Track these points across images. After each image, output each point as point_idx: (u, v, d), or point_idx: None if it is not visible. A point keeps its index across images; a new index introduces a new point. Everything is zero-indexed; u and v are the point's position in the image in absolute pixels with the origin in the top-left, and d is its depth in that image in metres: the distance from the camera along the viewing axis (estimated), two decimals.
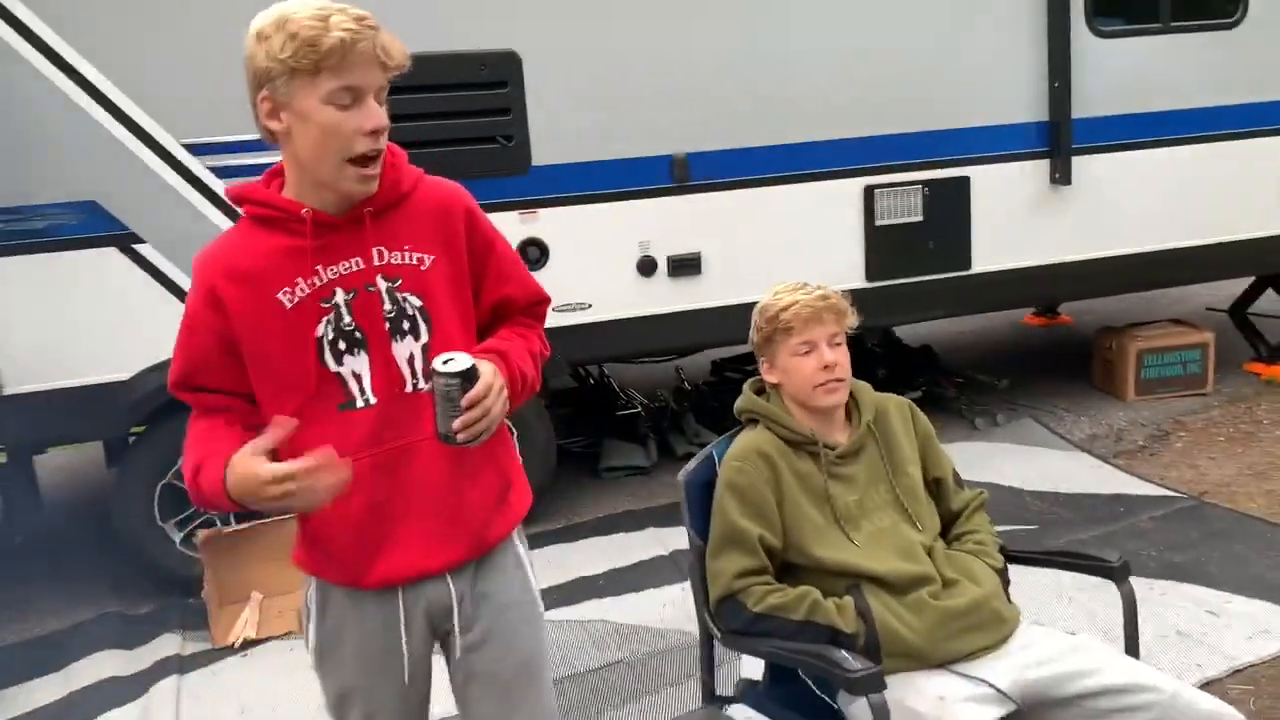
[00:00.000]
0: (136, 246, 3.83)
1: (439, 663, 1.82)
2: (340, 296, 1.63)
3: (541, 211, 4.17)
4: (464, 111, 3.99)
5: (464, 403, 1.55)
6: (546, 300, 1.87)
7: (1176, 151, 5.00)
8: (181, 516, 4.01)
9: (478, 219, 1.75)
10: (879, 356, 5.88)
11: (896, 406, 2.30)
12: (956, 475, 2.32)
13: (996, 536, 2.25)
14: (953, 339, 6.78)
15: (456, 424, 1.56)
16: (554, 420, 4.60)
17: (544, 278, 2.24)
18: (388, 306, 1.65)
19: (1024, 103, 4.79)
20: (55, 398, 3.77)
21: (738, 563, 2.06)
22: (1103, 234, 4.98)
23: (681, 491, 2.18)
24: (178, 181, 3.85)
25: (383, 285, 1.65)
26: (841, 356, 2.16)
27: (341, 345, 1.64)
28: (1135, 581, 3.56)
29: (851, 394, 2.25)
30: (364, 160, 1.57)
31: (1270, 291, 5.89)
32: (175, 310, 4.02)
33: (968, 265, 4.83)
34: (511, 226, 4.05)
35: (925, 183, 4.70)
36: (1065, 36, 4.73)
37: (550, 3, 4.12)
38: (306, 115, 1.55)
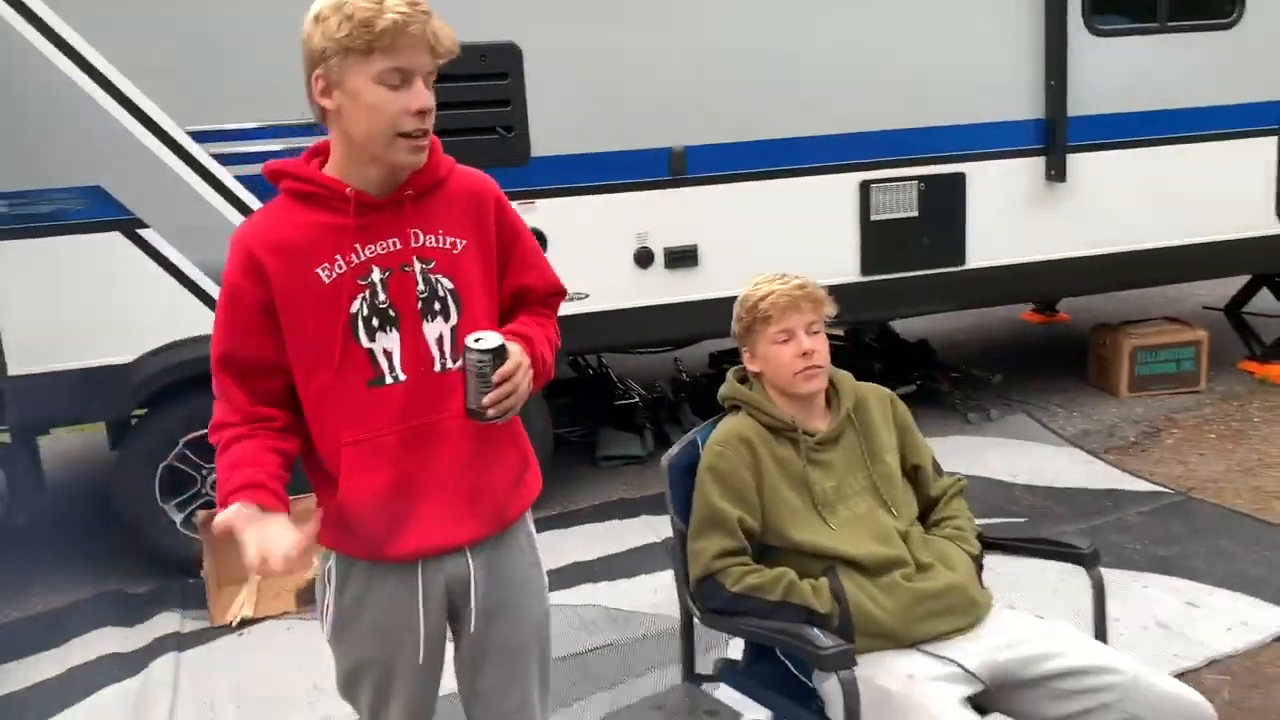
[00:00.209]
0: (140, 231, 3.88)
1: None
2: (376, 275, 1.68)
3: (540, 202, 4.22)
4: (464, 102, 4.03)
5: (495, 379, 1.62)
6: (563, 292, 1.94)
7: (1172, 150, 5.04)
8: (182, 498, 4.07)
9: (506, 208, 1.83)
10: (875, 350, 5.93)
11: (876, 396, 2.35)
12: (935, 463, 2.37)
13: (974, 523, 2.31)
14: (951, 335, 6.83)
15: (487, 399, 1.63)
16: (552, 409, 4.66)
17: None
18: (421, 287, 1.71)
19: (1020, 100, 4.83)
20: (59, 379, 3.83)
21: (717, 544, 2.11)
22: (1097, 231, 5.02)
23: (665, 475, 2.23)
24: (181, 168, 3.90)
25: (417, 266, 1.71)
26: (819, 344, 2.21)
27: (375, 322, 1.69)
28: (1119, 574, 3.69)
29: (832, 383, 2.30)
30: (412, 137, 1.63)
31: (1266, 291, 5.94)
32: (178, 294, 4.11)
33: (962, 261, 4.88)
34: None
35: (921, 178, 4.75)
36: (1062, 35, 4.77)
37: None
38: (358, 94, 1.60)
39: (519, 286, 1.85)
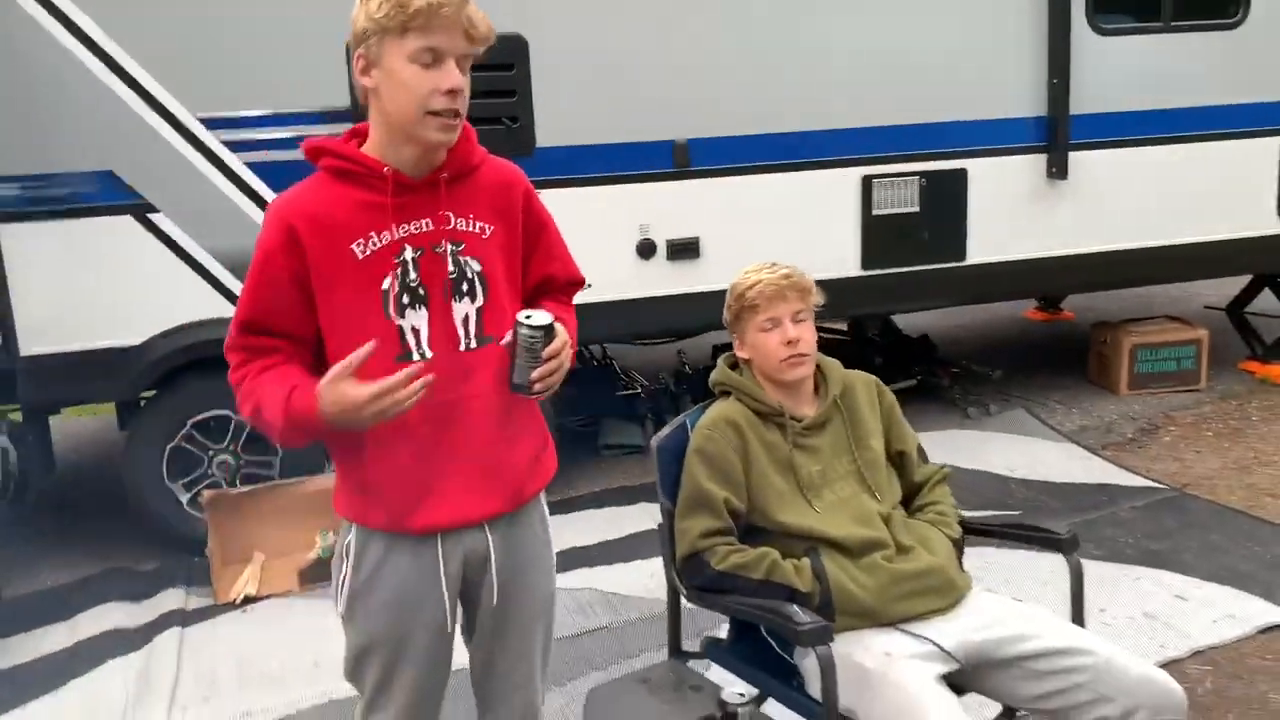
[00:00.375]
0: (151, 216, 3.96)
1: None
2: (409, 254, 1.74)
3: (543, 193, 4.20)
4: (470, 93, 4.09)
5: (544, 355, 1.70)
6: (582, 282, 2.01)
7: (1174, 149, 5.06)
8: (189, 478, 4.15)
9: (534, 200, 1.90)
10: (877, 345, 5.97)
11: (863, 383, 2.40)
12: (921, 450, 2.42)
13: (956, 509, 2.36)
14: (953, 331, 6.87)
15: (535, 374, 1.72)
16: (554, 397, 4.71)
17: None
18: (450, 268, 1.76)
19: (1023, 97, 4.86)
20: (70, 360, 3.91)
21: (703, 523, 2.17)
22: (1098, 229, 5.05)
23: (654, 456, 2.29)
24: (192, 154, 3.97)
25: (448, 248, 1.77)
26: (805, 332, 2.26)
27: (405, 300, 1.74)
28: (1110, 567, 3.73)
29: (821, 370, 2.36)
30: (442, 115, 1.69)
31: (1268, 291, 5.95)
32: (187, 278, 4.18)
33: (963, 256, 4.92)
34: None
35: (922, 174, 4.79)
36: (1065, 33, 4.79)
37: None
38: (393, 71, 1.67)
39: (543, 275, 1.93)
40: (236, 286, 4.06)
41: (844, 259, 4.76)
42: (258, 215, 4.06)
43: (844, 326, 6.07)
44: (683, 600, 2.31)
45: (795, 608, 1.99)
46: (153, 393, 4.16)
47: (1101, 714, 1.97)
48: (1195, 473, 4.55)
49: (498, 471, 1.82)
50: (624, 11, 4.34)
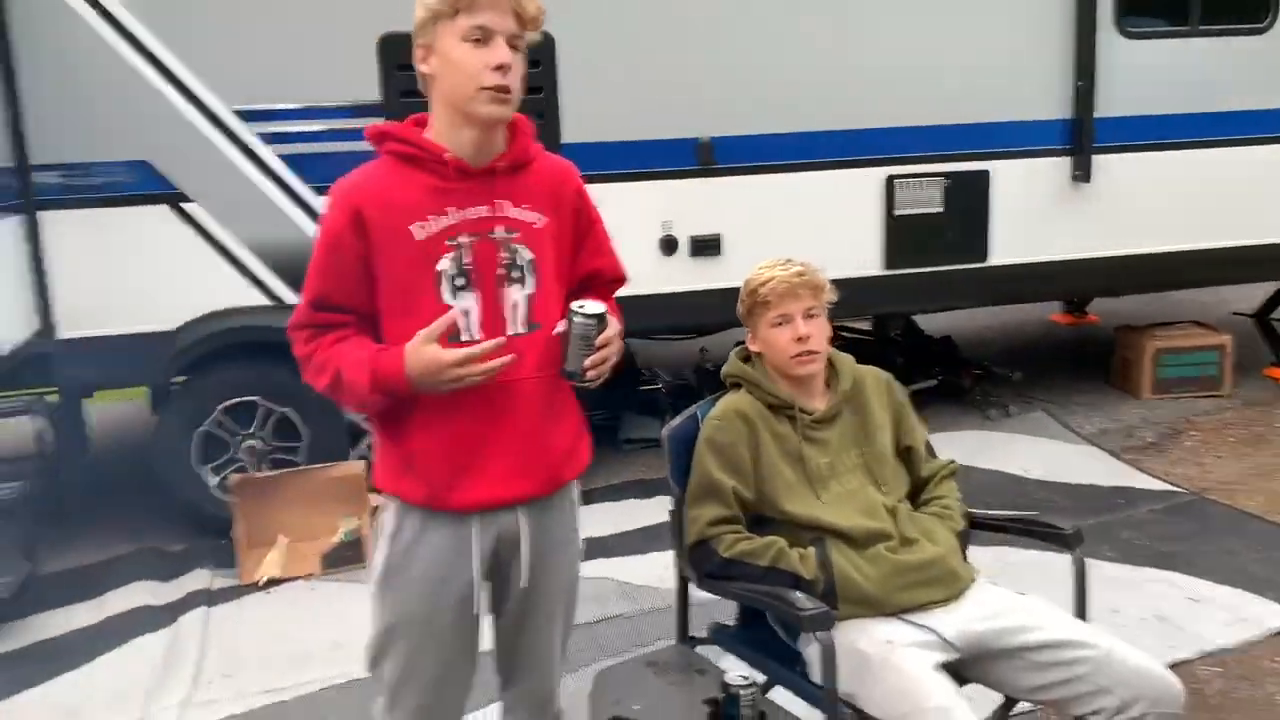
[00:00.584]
0: (185, 206, 4.06)
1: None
2: (465, 238, 1.81)
3: None
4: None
5: (598, 342, 1.77)
6: (624, 280, 2.09)
7: (1200, 154, 5.06)
8: (217, 462, 4.25)
9: (585, 197, 1.98)
10: (899, 345, 5.98)
11: (874, 378, 2.44)
12: (929, 445, 2.46)
13: (962, 504, 2.39)
14: (978, 333, 6.87)
15: (588, 361, 1.79)
16: (576, 391, 4.77)
17: None
18: (503, 254, 1.83)
19: (1048, 100, 4.88)
20: (105, 344, 4.02)
21: (712, 511, 2.22)
22: (1122, 232, 5.05)
23: (665, 445, 2.34)
24: (226, 145, 4.07)
25: (501, 235, 1.83)
26: (816, 329, 2.29)
27: (459, 282, 1.81)
28: (1123, 568, 3.75)
29: (832, 364, 2.40)
30: (495, 90, 1.76)
31: None
32: (219, 267, 4.29)
33: (985, 257, 4.93)
34: None
35: (946, 175, 4.81)
36: (1091, 36, 4.80)
37: None
38: (447, 54, 1.76)
39: (591, 269, 1.99)
40: (267, 276, 4.16)
41: (866, 258, 4.79)
42: (289, 206, 4.15)
43: (866, 326, 6.10)
44: (691, 588, 2.36)
45: (799, 594, 2.04)
46: (184, 378, 4.26)
47: (1100, 705, 2.00)
48: (1215, 477, 4.54)
49: (536, 455, 1.88)
50: (650, 10, 4.39)
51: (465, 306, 1.80)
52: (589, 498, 4.68)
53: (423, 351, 1.72)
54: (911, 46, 4.69)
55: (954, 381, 5.66)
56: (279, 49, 4.05)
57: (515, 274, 1.83)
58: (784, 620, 2.23)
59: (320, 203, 4.15)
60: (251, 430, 4.24)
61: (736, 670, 2.07)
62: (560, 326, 1.83)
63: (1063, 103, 4.88)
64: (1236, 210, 5.17)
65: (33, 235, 3.92)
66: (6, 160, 3.84)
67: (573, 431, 1.97)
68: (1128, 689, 2.00)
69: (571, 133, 4.31)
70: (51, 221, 3.94)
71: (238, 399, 4.20)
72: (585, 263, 1.99)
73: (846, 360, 2.44)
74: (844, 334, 5.85)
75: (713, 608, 2.42)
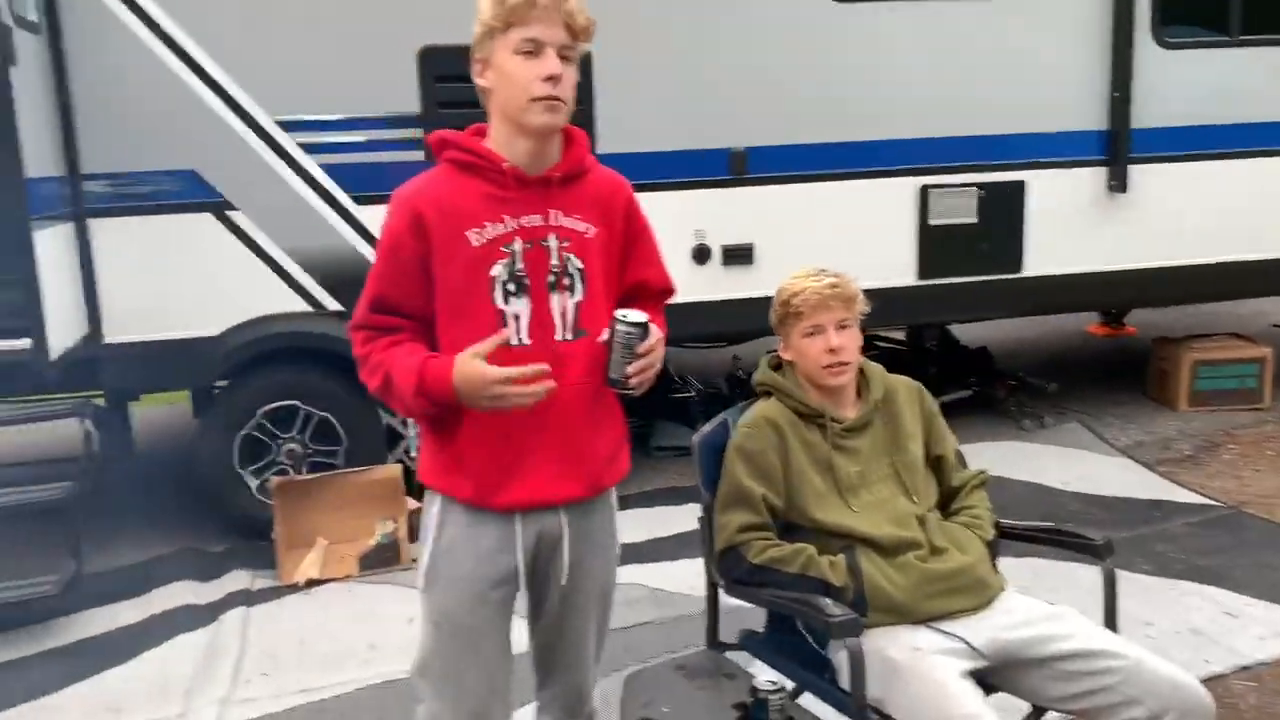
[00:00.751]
0: (230, 213, 4.15)
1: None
2: (518, 245, 1.87)
3: None
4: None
5: (640, 350, 1.82)
6: (672, 291, 2.12)
7: (1238, 165, 5.02)
8: (258, 465, 4.33)
9: (635, 209, 2.03)
10: (933, 355, 5.97)
11: (905, 387, 2.46)
12: (959, 455, 2.47)
13: (992, 513, 2.40)
14: (1014, 344, 6.83)
15: (631, 369, 1.83)
16: (621, 400, 4.81)
17: None
18: (554, 262, 1.89)
19: (1084, 111, 4.86)
20: (151, 349, 4.11)
21: (741, 518, 2.25)
22: (1158, 244, 5.02)
23: (695, 452, 2.37)
24: (270, 155, 4.16)
25: (553, 243, 1.89)
26: (848, 340, 2.31)
27: (510, 287, 1.86)
28: (1159, 581, 3.72)
29: (863, 373, 2.42)
30: (546, 100, 1.81)
31: None
32: (262, 273, 4.37)
33: (1019, 268, 4.92)
34: None
35: (980, 185, 4.80)
36: (1128, 46, 4.78)
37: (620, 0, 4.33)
38: (501, 66, 1.82)
39: (639, 279, 2.03)
40: (308, 282, 4.24)
41: (900, 268, 4.80)
42: (329, 214, 4.23)
43: (901, 336, 6.09)
44: (722, 594, 2.39)
45: (826, 600, 2.07)
46: (226, 382, 4.35)
47: (1130, 716, 2.00)
48: (1253, 491, 4.50)
49: (581, 459, 1.93)
50: (684, 22, 4.44)
51: (516, 311, 1.86)
52: (621, 504, 4.74)
53: (470, 365, 1.77)
54: (947, 57, 4.69)
55: (989, 392, 5.64)
56: (321, 61, 4.14)
57: (565, 281, 1.89)
58: (813, 627, 2.25)
59: (360, 211, 4.23)
60: (292, 434, 4.32)
61: (765, 675, 2.09)
62: (604, 335, 1.88)
63: (1099, 113, 4.86)
64: (1275, 222, 5.11)
65: (82, 242, 4.03)
66: (59, 170, 3.95)
67: (616, 439, 2.02)
68: (1157, 700, 2.00)
69: (606, 143, 4.36)
70: (100, 229, 4.04)
71: (279, 403, 4.28)
72: (633, 272, 2.03)
73: (877, 369, 2.46)
74: (878, 344, 5.85)
75: (743, 615, 2.45)
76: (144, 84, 3.99)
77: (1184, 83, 4.91)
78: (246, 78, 4.08)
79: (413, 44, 4.15)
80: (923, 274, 4.85)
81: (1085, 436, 5.21)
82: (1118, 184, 4.89)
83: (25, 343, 3.63)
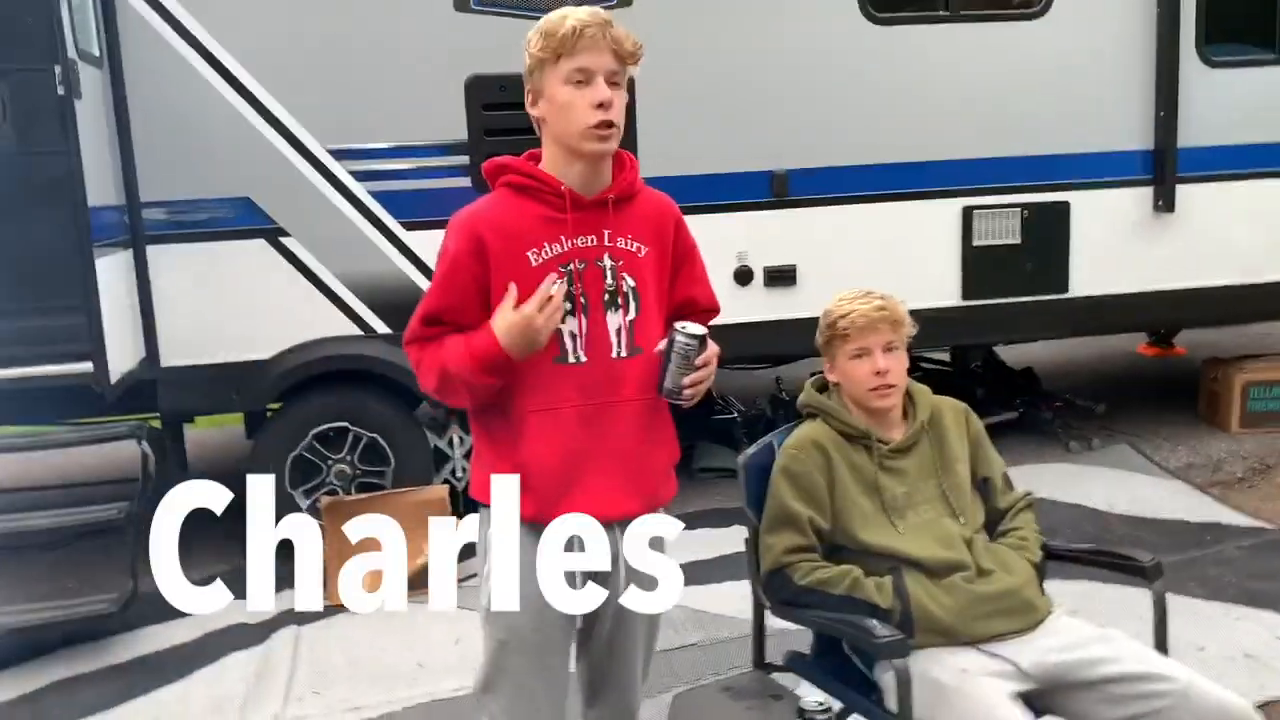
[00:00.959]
0: (283, 240, 4.24)
1: None
2: (575, 265, 1.94)
3: None
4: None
5: (698, 362, 1.88)
6: (717, 310, 2.18)
7: None
8: (308, 485, 4.40)
9: (684, 229, 2.11)
10: (979, 376, 5.94)
11: (951, 409, 2.46)
12: (1006, 477, 2.47)
13: (1039, 536, 2.39)
14: (1061, 365, 6.76)
15: (687, 380, 1.90)
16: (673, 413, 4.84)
17: None
18: (609, 281, 1.95)
19: (1129, 130, 4.83)
20: (205, 372, 4.21)
21: (788, 540, 2.27)
22: (1206, 263, 4.96)
23: (741, 473, 2.40)
24: (321, 182, 4.25)
25: (608, 263, 1.95)
26: (895, 363, 2.33)
27: (567, 306, 1.93)
28: (1211, 605, 3.67)
29: (910, 395, 2.43)
30: (598, 127, 1.88)
31: None
32: (314, 298, 4.45)
33: (1065, 289, 4.89)
34: None
35: (1025, 206, 4.79)
36: (1174, 65, 4.75)
37: (662, 24, 4.38)
38: (553, 96, 1.90)
39: (687, 298, 2.10)
40: (360, 307, 4.32)
41: (945, 289, 4.79)
42: (379, 240, 4.31)
43: (946, 357, 6.06)
44: (768, 615, 2.40)
45: (873, 621, 2.07)
46: (279, 405, 4.43)
47: None
48: None
49: (639, 475, 1.98)
50: (725, 46, 4.48)
51: (572, 329, 1.92)
52: None
53: (502, 314, 1.86)
54: (989, 78, 4.69)
55: (1035, 414, 5.59)
56: (371, 91, 4.23)
57: (619, 300, 1.95)
58: (859, 648, 2.25)
59: (408, 237, 4.31)
60: (342, 455, 4.38)
61: (812, 696, 2.10)
62: (661, 345, 1.93)
63: (1145, 133, 4.83)
64: None
65: (140, 268, 4.14)
66: (118, 198, 4.07)
67: (671, 454, 2.08)
68: None
69: (649, 166, 4.37)
70: (157, 255, 4.15)
71: (330, 424, 4.36)
72: (681, 290, 2.08)
73: (924, 391, 2.46)
74: (923, 365, 5.82)
75: (789, 637, 2.46)
76: (200, 114, 4.10)
77: (1230, 101, 4.87)
78: (299, 107, 4.18)
79: (460, 73, 4.23)
80: (967, 295, 4.83)
81: (1134, 458, 5.14)
82: (1165, 203, 4.84)
83: (87, 366, 3.74)
